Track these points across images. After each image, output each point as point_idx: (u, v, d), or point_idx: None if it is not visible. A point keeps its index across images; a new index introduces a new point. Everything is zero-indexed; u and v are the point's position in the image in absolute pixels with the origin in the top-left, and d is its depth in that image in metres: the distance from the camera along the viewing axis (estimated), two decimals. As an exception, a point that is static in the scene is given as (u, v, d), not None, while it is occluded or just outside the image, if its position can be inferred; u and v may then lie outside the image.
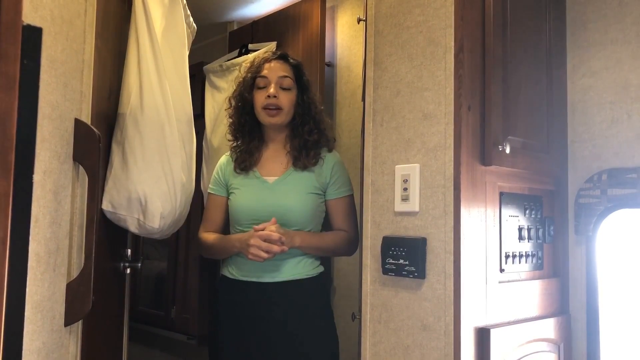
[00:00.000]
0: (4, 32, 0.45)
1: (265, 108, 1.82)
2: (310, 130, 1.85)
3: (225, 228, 1.93)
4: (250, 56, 2.55)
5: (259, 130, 1.91)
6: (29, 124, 0.88)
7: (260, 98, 1.84)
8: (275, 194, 1.79)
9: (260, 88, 1.85)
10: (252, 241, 1.68)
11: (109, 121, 1.73)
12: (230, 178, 1.89)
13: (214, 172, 1.96)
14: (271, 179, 1.83)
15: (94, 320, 1.54)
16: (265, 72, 1.86)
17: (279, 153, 1.88)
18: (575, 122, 1.75)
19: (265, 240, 1.67)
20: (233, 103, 1.93)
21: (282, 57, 1.90)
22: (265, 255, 1.67)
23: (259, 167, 1.87)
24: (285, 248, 1.68)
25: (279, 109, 1.82)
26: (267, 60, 1.88)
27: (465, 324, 1.32)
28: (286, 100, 1.83)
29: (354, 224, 1.86)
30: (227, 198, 1.90)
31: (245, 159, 1.87)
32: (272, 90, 1.81)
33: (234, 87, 1.96)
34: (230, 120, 1.94)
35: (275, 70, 1.85)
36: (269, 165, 1.87)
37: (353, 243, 1.85)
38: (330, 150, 1.89)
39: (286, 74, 1.85)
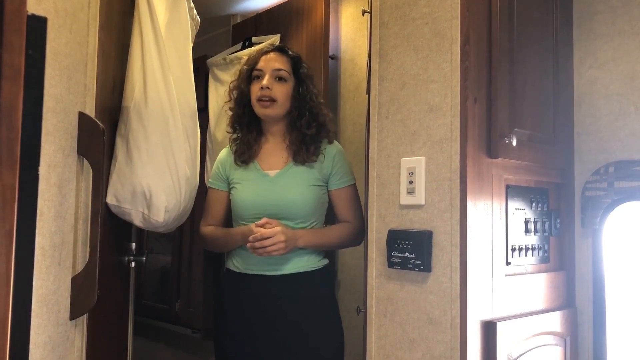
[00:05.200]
0: (8, 22, 0.45)
1: (259, 100, 1.82)
2: (308, 123, 1.83)
3: (227, 222, 1.94)
4: (255, 49, 2.54)
5: (258, 122, 1.90)
6: (34, 115, 0.88)
7: (255, 90, 1.84)
8: (277, 188, 1.80)
9: (256, 80, 1.85)
10: (249, 245, 1.71)
11: (113, 115, 1.72)
12: (231, 171, 1.89)
13: (214, 166, 1.96)
14: (272, 172, 1.83)
15: (99, 314, 1.54)
16: (261, 64, 1.85)
17: (279, 146, 1.88)
18: (582, 114, 1.73)
19: (258, 241, 1.69)
20: (232, 95, 1.93)
21: (279, 49, 1.90)
22: (262, 252, 1.70)
23: (259, 160, 1.87)
24: (280, 252, 1.71)
25: (272, 100, 1.81)
26: (264, 52, 1.89)
27: (472, 318, 1.32)
28: (279, 91, 1.82)
29: (359, 214, 1.86)
30: (229, 192, 1.89)
31: (244, 151, 1.87)
32: (264, 81, 1.81)
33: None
34: (230, 112, 1.94)
35: (270, 62, 1.85)
36: (269, 159, 1.87)
37: (359, 233, 1.85)
38: (330, 142, 1.88)
39: (281, 66, 1.84)
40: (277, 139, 1.89)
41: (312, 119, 1.84)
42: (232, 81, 1.95)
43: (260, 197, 1.80)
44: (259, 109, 1.84)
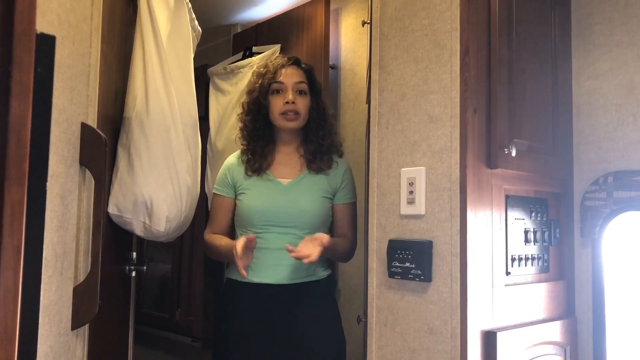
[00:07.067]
0: (18, 41, 0.46)
1: (283, 114, 1.83)
2: (324, 135, 1.87)
3: (232, 229, 1.93)
4: (255, 58, 2.56)
5: (272, 133, 1.91)
6: (42, 131, 0.89)
7: (277, 104, 1.84)
8: (290, 196, 1.81)
9: (276, 93, 1.86)
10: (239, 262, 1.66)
11: (115, 125, 1.73)
12: (240, 179, 1.87)
13: (221, 173, 1.93)
14: (285, 181, 1.84)
15: (100, 324, 1.55)
16: (281, 77, 1.86)
17: (292, 157, 1.89)
18: (581, 124, 1.74)
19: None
20: (246, 107, 1.93)
21: (295, 62, 1.92)
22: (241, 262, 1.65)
23: (272, 169, 1.87)
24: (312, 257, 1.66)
25: (297, 114, 1.83)
26: (282, 65, 1.89)
27: (472, 327, 1.32)
28: (302, 105, 1.85)
29: (355, 231, 1.90)
30: (234, 199, 1.89)
31: (257, 161, 1.86)
32: (290, 96, 1.83)
33: (246, 92, 1.97)
34: (242, 124, 1.94)
35: (291, 76, 1.86)
36: (282, 168, 1.87)
37: (353, 250, 1.90)
38: (340, 155, 1.93)
39: (301, 79, 1.87)
40: (290, 149, 1.90)
41: (328, 131, 1.89)
42: (248, 91, 1.94)
43: (272, 204, 1.80)
44: (282, 122, 1.85)
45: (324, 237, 1.70)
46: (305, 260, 1.63)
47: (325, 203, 1.84)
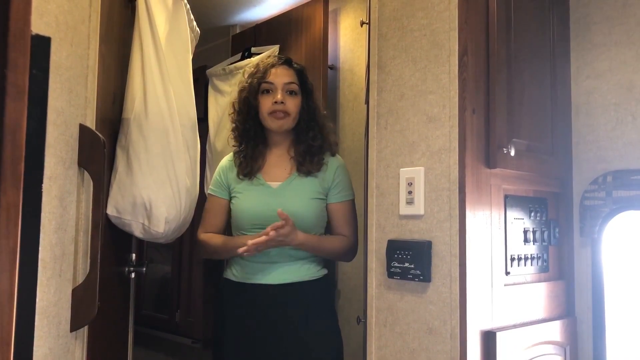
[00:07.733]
0: (12, 42, 0.46)
1: (272, 113, 1.82)
2: (315, 136, 1.85)
3: (226, 231, 1.93)
4: (254, 59, 2.56)
5: (263, 135, 1.90)
6: (38, 133, 0.89)
7: (266, 103, 1.83)
8: (280, 199, 1.79)
9: (265, 93, 1.85)
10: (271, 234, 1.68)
11: (113, 126, 1.73)
12: (233, 182, 1.88)
13: (216, 174, 1.94)
14: (275, 184, 1.83)
15: (100, 325, 1.54)
16: (271, 77, 1.84)
17: (283, 158, 1.88)
18: (580, 123, 1.74)
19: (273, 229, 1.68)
20: (237, 108, 1.91)
21: (286, 62, 1.90)
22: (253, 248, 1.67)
23: (263, 172, 1.86)
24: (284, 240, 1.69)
25: (286, 114, 1.82)
26: (272, 65, 1.87)
27: (471, 327, 1.32)
28: (292, 105, 1.83)
29: (354, 230, 1.87)
30: (229, 200, 1.89)
31: (248, 165, 1.85)
32: (279, 96, 1.81)
33: (237, 92, 1.95)
34: (233, 125, 1.93)
35: (281, 76, 1.84)
36: (273, 171, 1.86)
37: (352, 249, 1.86)
38: (333, 154, 1.90)
39: (292, 80, 1.85)
40: (281, 151, 1.89)
41: (319, 131, 1.86)
42: (238, 91, 1.93)
43: (263, 207, 1.79)
44: (271, 122, 1.84)
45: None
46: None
47: (316, 204, 1.82)
